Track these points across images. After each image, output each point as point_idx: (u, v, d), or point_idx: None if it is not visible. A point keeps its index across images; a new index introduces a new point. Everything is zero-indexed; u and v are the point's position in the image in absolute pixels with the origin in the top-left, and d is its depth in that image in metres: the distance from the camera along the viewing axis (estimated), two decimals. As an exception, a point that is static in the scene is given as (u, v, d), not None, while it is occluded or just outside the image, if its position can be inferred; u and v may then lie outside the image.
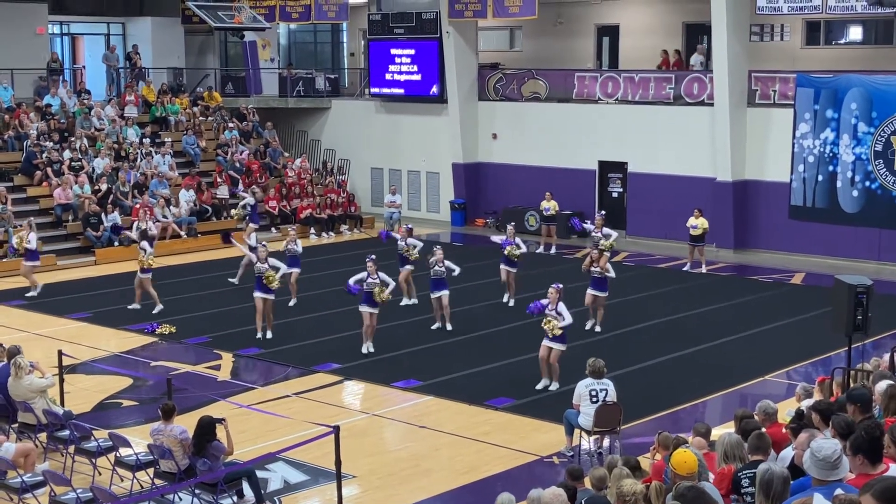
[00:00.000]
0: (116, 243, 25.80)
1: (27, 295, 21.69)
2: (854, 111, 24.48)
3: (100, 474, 12.02)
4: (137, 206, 26.14)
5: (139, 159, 29.03)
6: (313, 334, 18.82)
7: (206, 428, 11.23)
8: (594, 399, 12.59)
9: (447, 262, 18.85)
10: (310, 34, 38.77)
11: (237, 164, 30.69)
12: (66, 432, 12.57)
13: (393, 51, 31.98)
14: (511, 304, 20.53)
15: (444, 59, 30.68)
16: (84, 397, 15.16)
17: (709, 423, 10.98)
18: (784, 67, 27.14)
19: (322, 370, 16.67)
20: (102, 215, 26.19)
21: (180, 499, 11.44)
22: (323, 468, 12.35)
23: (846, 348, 13.76)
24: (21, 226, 22.92)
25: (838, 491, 5.83)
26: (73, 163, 27.59)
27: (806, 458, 6.39)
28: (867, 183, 24.47)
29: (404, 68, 31.89)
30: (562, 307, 14.95)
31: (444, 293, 18.77)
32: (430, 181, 32.17)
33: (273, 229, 28.70)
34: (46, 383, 12.99)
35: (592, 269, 18.61)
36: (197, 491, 11.28)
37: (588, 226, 22.59)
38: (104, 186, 27.26)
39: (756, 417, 9.81)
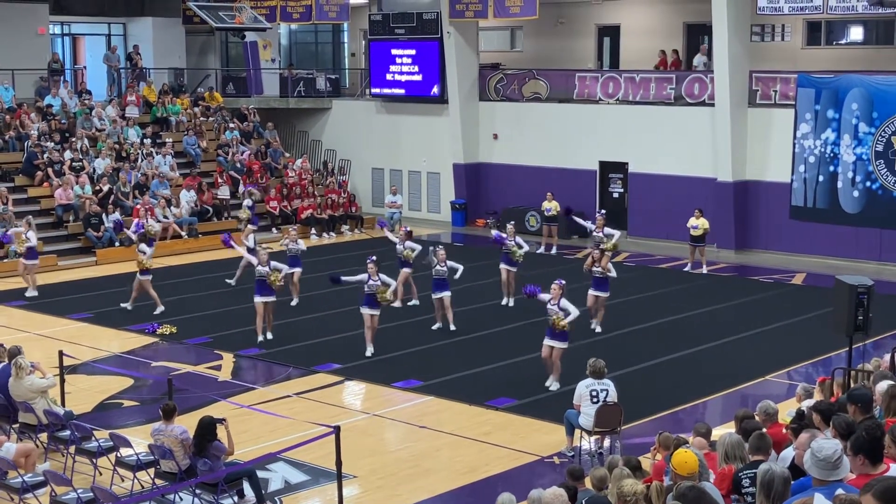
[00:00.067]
0: (117, 243, 25.80)
1: (27, 295, 21.70)
2: (855, 111, 24.47)
3: (100, 474, 12.02)
4: (138, 206, 26.15)
5: (140, 160, 29.05)
6: (314, 335, 18.82)
7: (207, 428, 11.24)
8: (595, 399, 12.59)
9: (450, 262, 18.84)
10: (311, 34, 38.78)
11: (238, 165, 30.70)
12: (67, 432, 12.57)
13: (394, 51, 31.98)
14: (510, 304, 20.53)
15: (445, 59, 30.68)
16: (85, 397, 15.17)
17: (709, 423, 10.97)
18: (785, 68, 27.13)
19: (323, 370, 16.67)
20: (103, 216, 26.21)
21: (181, 499, 11.44)
22: (324, 468, 12.35)
23: (847, 349, 13.77)
24: (19, 226, 22.91)
25: (839, 491, 5.82)
26: (73, 163, 27.61)
27: (806, 458, 6.38)
28: (868, 183, 24.46)
29: (405, 68, 31.89)
30: (564, 302, 14.98)
31: (446, 294, 18.75)
32: (430, 181, 32.17)
33: (274, 229, 28.70)
34: (47, 383, 12.99)
35: (594, 269, 18.61)
36: (198, 491, 11.28)
37: (588, 224, 22.58)
38: (105, 187, 27.27)
39: (757, 418, 9.81)
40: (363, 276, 17.14)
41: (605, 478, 8.77)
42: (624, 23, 31.69)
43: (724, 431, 8.92)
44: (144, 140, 30.19)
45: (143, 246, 20.22)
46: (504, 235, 20.46)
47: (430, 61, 31.29)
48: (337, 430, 11.19)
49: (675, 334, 18.82)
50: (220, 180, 29.63)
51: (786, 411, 10.96)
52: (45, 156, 27.46)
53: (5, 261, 23.84)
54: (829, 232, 25.26)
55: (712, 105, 26.78)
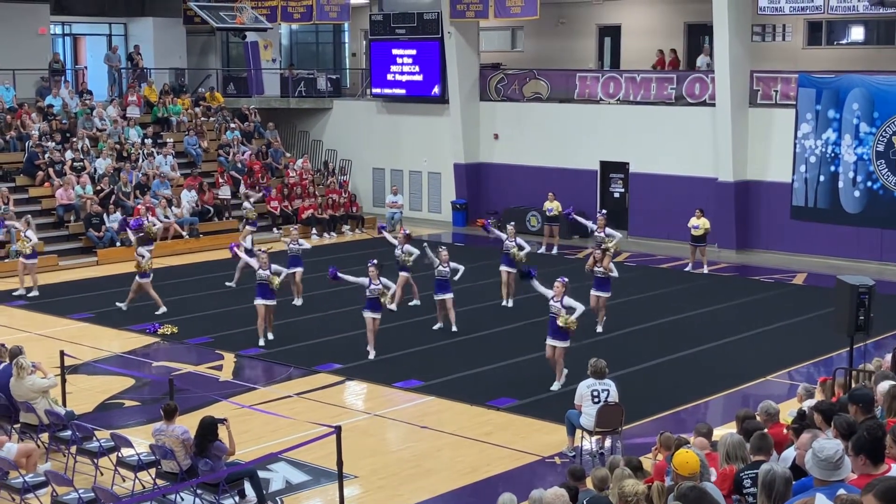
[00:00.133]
0: (118, 243, 25.80)
1: (29, 295, 21.71)
2: (856, 111, 24.46)
3: (102, 474, 12.03)
4: (139, 206, 26.15)
5: (141, 160, 29.05)
6: (315, 335, 18.82)
7: (208, 428, 11.24)
8: (596, 399, 12.59)
9: (452, 263, 18.84)
10: (311, 34, 38.80)
11: (239, 165, 30.70)
12: (68, 432, 12.56)
13: (394, 51, 31.98)
14: (510, 305, 20.51)
15: (446, 59, 30.68)
16: (86, 397, 15.17)
17: (710, 423, 10.97)
18: (786, 68, 27.13)
19: (324, 370, 16.67)
20: (104, 216, 26.21)
21: (182, 499, 11.44)
22: (325, 468, 12.35)
23: (848, 349, 13.78)
24: (18, 228, 22.91)
25: (840, 491, 5.82)
26: (74, 163, 27.61)
27: (808, 458, 6.38)
28: (869, 183, 24.45)
29: (406, 69, 31.89)
30: (567, 300, 14.98)
31: (449, 296, 18.72)
32: (431, 181, 32.18)
33: (275, 230, 28.71)
34: (48, 383, 13.00)
35: (596, 269, 18.61)
36: (199, 491, 11.28)
37: (590, 224, 22.59)
38: (106, 187, 27.28)
39: (758, 418, 9.80)
40: (364, 280, 17.13)
41: (607, 478, 8.77)
42: (625, 23, 31.70)
43: (725, 431, 8.92)
44: (145, 140, 30.20)
45: (141, 249, 20.18)
46: (489, 222, 20.65)
47: (430, 61, 31.29)
48: (338, 430, 11.20)
49: (676, 334, 18.82)
50: (220, 180, 29.64)
51: (787, 411, 10.96)
52: (46, 156, 27.47)
53: (6, 261, 23.85)
54: (830, 232, 25.25)
55: (713, 105, 26.78)
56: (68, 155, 27.81)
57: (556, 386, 15.32)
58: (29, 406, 12.74)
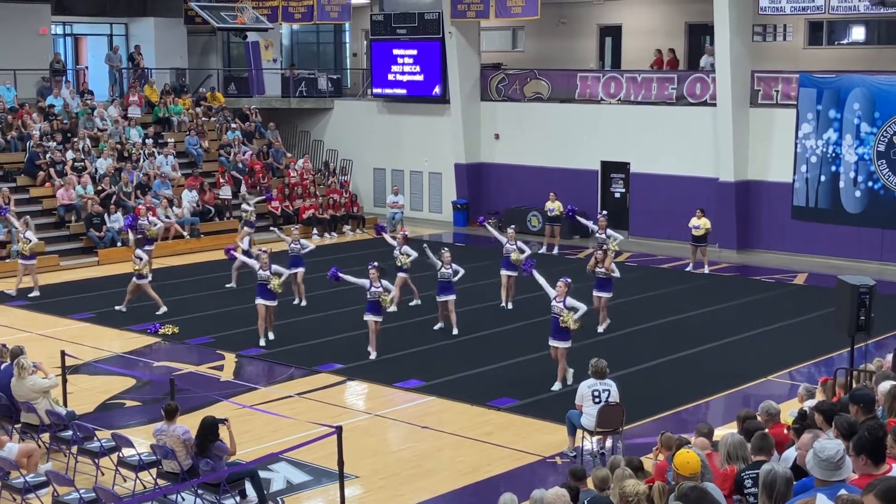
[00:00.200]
0: (119, 243, 25.81)
1: (29, 295, 21.71)
2: (857, 111, 24.46)
3: (102, 474, 12.03)
4: (140, 206, 26.12)
5: (142, 160, 29.06)
6: (316, 335, 18.82)
7: (209, 428, 11.24)
8: (597, 399, 12.60)
9: (453, 265, 18.81)
10: (312, 34, 38.80)
11: (240, 165, 30.71)
12: (69, 433, 12.57)
13: (395, 51, 31.98)
14: (510, 307, 20.48)
15: (447, 59, 30.68)
16: (87, 398, 15.18)
17: (711, 423, 10.97)
18: (787, 67, 27.13)
19: (325, 370, 16.68)
20: (105, 216, 26.22)
21: (183, 499, 11.44)
22: (325, 468, 12.35)
23: (849, 349, 13.78)
24: (17, 228, 22.90)
25: (841, 491, 5.82)
26: (75, 163, 27.62)
27: (809, 458, 6.38)
28: (870, 183, 24.45)
29: (406, 69, 31.89)
30: (570, 300, 15.01)
31: (451, 297, 18.68)
32: (432, 181, 32.17)
33: (272, 228, 28.64)
34: (49, 384, 13.00)
35: (597, 269, 18.61)
36: (200, 491, 11.28)
37: (590, 224, 22.57)
38: (107, 187, 27.28)
39: (759, 418, 9.81)
40: (365, 282, 17.13)
41: (607, 478, 8.77)
42: (625, 23, 31.69)
43: (726, 432, 8.92)
44: (146, 140, 30.20)
45: (139, 252, 20.17)
46: (483, 218, 20.64)
47: (431, 61, 31.29)
48: (339, 430, 11.20)
49: (677, 334, 18.82)
50: (221, 180, 29.64)
51: (788, 411, 10.96)
52: (47, 156, 27.47)
53: (8, 261, 23.85)
54: (830, 232, 25.25)
55: (714, 105, 26.77)
56: (69, 155, 27.81)
57: (556, 386, 15.33)
58: (30, 406, 12.75)
